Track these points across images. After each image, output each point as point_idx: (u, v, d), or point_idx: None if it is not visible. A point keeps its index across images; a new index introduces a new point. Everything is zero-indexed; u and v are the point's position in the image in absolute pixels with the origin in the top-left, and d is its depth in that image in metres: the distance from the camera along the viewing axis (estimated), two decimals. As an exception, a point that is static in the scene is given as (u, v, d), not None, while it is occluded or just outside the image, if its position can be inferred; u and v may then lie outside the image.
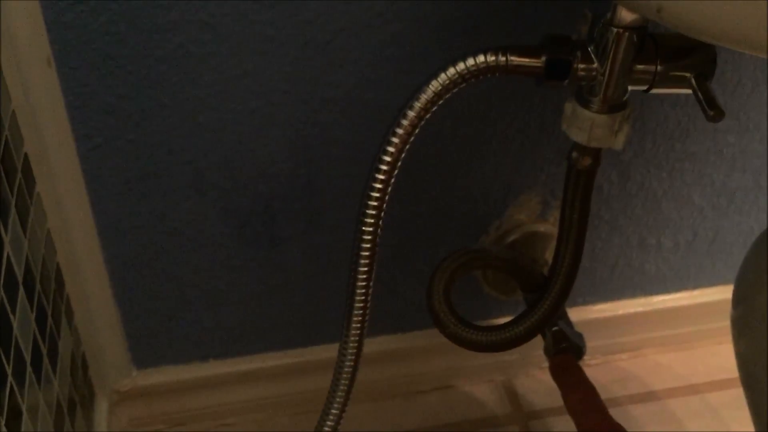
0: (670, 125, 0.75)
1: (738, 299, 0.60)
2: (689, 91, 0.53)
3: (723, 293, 0.81)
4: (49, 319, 0.60)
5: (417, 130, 0.55)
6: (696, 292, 0.91)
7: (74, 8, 0.56)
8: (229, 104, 0.64)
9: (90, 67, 0.59)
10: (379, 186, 0.57)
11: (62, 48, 0.58)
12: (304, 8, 0.59)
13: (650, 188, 0.80)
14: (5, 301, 0.48)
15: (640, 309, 0.90)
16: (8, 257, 0.50)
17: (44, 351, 0.57)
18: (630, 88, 0.54)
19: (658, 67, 0.52)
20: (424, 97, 0.54)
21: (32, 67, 0.57)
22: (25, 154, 0.57)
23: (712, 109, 0.50)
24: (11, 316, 0.50)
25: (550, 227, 0.79)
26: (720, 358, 0.91)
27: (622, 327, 0.91)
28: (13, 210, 0.52)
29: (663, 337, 0.94)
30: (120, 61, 0.59)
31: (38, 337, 0.55)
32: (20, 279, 0.52)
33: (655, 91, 0.54)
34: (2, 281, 0.48)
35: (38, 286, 0.57)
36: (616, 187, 0.78)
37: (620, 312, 0.90)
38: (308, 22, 0.60)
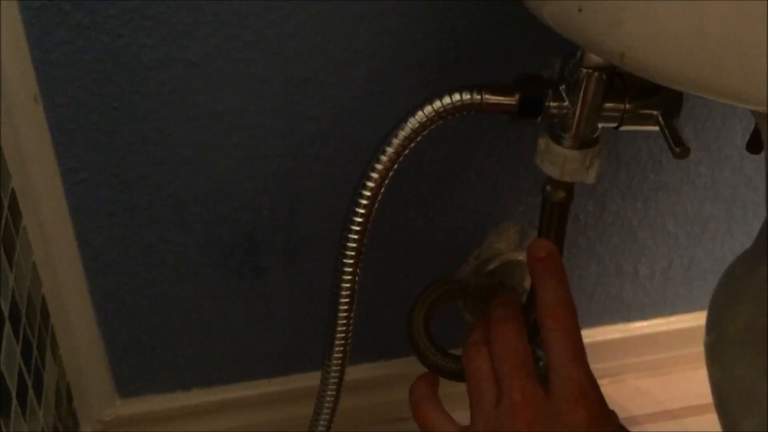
0: (644, 157, 0.77)
1: (710, 325, 0.62)
2: (657, 128, 0.54)
3: (699, 319, 0.82)
4: (35, 352, 0.60)
5: (395, 165, 0.57)
6: (673, 318, 0.92)
7: (62, 47, 0.57)
8: (212, 139, 0.65)
9: (76, 103, 0.60)
10: (359, 219, 0.58)
11: (49, 85, 0.59)
12: (285, 47, 0.61)
13: (626, 217, 0.82)
14: (-9, 335, 0.49)
15: (619, 335, 0.92)
16: (-6, 292, 0.51)
17: (29, 383, 0.58)
18: (600, 125, 0.56)
19: (627, 106, 0.54)
20: (402, 134, 0.55)
21: (19, 104, 0.58)
22: (12, 189, 0.58)
23: (678, 146, 0.52)
24: (-4, 349, 0.51)
25: (528, 256, 0.81)
26: (697, 383, 0.92)
27: (601, 353, 0.92)
28: (-1, 245, 0.53)
29: (642, 363, 0.95)
30: (106, 98, 0.60)
31: (24, 369, 0.56)
32: (6, 314, 0.53)
33: (624, 128, 0.55)
34: (-12, 316, 0.49)
35: (24, 320, 0.58)
36: (593, 217, 0.80)
37: (599, 338, 0.91)
38: (289, 60, 0.62)
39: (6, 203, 0.56)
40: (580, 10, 0.40)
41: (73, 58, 0.58)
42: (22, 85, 0.58)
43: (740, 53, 0.35)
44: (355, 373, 0.83)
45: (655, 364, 0.95)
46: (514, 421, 0.48)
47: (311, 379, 0.73)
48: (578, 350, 0.51)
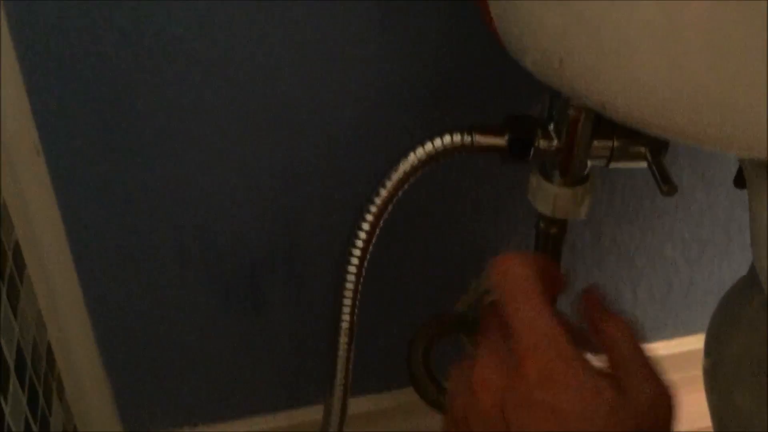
0: (638, 184, 0.78)
1: (707, 351, 0.63)
2: (645, 165, 0.55)
3: (700, 342, 0.83)
4: (41, 399, 0.61)
5: (390, 207, 0.58)
6: (673, 342, 0.93)
7: (61, 99, 0.59)
8: (210, 180, 0.66)
9: (77, 153, 0.62)
10: (356, 258, 0.59)
11: (50, 136, 0.60)
12: (278, 92, 0.62)
13: (622, 243, 0.82)
14: (-3, 388, 0.50)
15: (620, 359, 0.92)
16: (-1, 344, 0.52)
17: (36, 430, 0.59)
18: (589, 163, 0.57)
19: (615, 143, 0.55)
20: (395, 177, 0.57)
21: (21, 156, 0.59)
22: (16, 241, 0.60)
23: (666, 184, 0.52)
24: (2, 404, 0.51)
25: (527, 285, 0.82)
26: (700, 405, 0.93)
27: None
28: (4, 298, 0.54)
29: (645, 385, 0.95)
30: (104, 146, 0.62)
31: (30, 418, 0.57)
32: (11, 365, 0.54)
33: (613, 165, 0.56)
34: (-6, 369, 0.50)
35: (30, 369, 0.59)
36: (589, 244, 0.81)
37: (600, 363, 0.92)
38: (283, 104, 0.63)
39: (10, 255, 0.57)
40: (561, 62, 0.41)
41: (73, 109, 0.59)
42: (24, 137, 0.59)
43: (714, 103, 0.36)
44: (357, 404, 0.84)
45: (658, 386, 0.95)
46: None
47: (315, 413, 0.74)
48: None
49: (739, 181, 0.56)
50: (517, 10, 0.41)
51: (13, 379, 0.54)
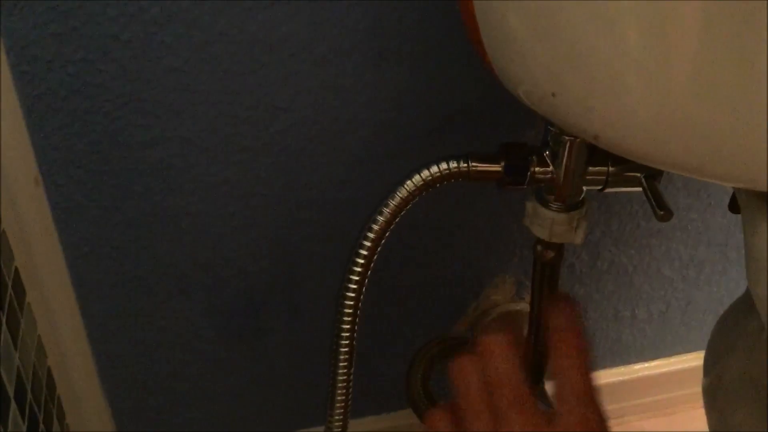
0: (634, 206, 0.78)
1: (706, 371, 0.63)
2: (641, 190, 0.56)
3: (699, 359, 0.83)
4: (41, 426, 0.62)
5: (387, 233, 0.58)
6: (672, 359, 0.93)
7: (60, 131, 0.59)
8: (209, 209, 0.67)
9: (76, 183, 0.62)
10: (353, 285, 0.60)
11: (49, 167, 0.61)
12: (277, 120, 0.63)
13: (620, 264, 0.83)
14: (-3, 420, 0.50)
15: (620, 378, 0.93)
16: None
17: (36, 459, 0.59)
18: (585, 188, 0.57)
19: (610, 169, 0.55)
20: (393, 203, 0.57)
21: (21, 187, 0.59)
22: (16, 268, 0.60)
23: (661, 209, 0.53)
24: (3, 433, 0.52)
25: (525, 305, 0.82)
26: (700, 422, 0.93)
27: (603, 396, 0.93)
28: (3, 327, 0.55)
29: (645, 404, 0.96)
30: (104, 176, 0.62)
31: (30, 447, 0.57)
32: (11, 394, 0.54)
33: (609, 190, 0.57)
34: (-6, 401, 0.50)
35: (29, 396, 0.59)
36: (587, 265, 0.81)
37: (601, 381, 0.91)
38: (282, 132, 0.63)
39: (9, 283, 0.58)
40: (553, 95, 0.41)
41: (72, 140, 0.60)
42: (23, 168, 0.59)
43: (702, 135, 0.37)
44: (357, 426, 0.84)
45: (658, 404, 0.96)
46: None
47: (316, 437, 0.74)
48: (588, 382, 0.47)
49: (734, 206, 0.57)
50: (510, 46, 0.42)
51: (13, 407, 0.54)
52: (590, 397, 0.46)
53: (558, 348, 0.47)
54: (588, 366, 0.47)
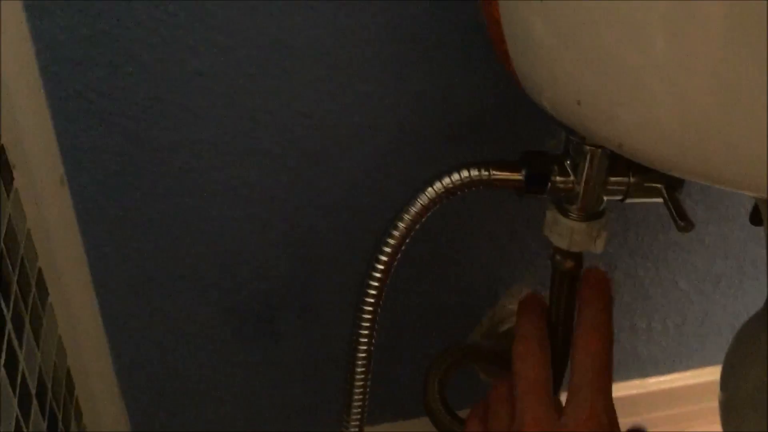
0: (652, 218, 0.78)
1: (723, 385, 0.63)
2: (661, 201, 0.56)
3: (715, 374, 0.83)
4: (60, 425, 0.62)
5: (407, 240, 0.59)
6: (688, 373, 0.93)
7: (87, 133, 0.60)
8: (228, 212, 0.67)
9: (100, 184, 0.63)
10: (373, 292, 0.60)
11: (75, 168, 0.62)
12: (297, 125, 0.63)
13: (637, 276, 0.83)
14: (20, 416, 0.51)
15: (635, 391, 0.92)
16: (23, 373, 0.53)
17: (54, 457, 0.60)
18: (605, 198, 0.57)
19: (631, 179, 0.56)
20: (413, 210, 0.57)
21: (46, 187, 0.60)
22: (39, 269, 0.61)
23: (683, 220, 0.53)
24: (24, 430, 0.52)
25: (541, 316, 0.82)
26: (717, 437, 0.93)
27: (618, 409, 0.92)
28: (27, 326, 0.55)
29: (661, 418, 0.95)
30: (128, 178, 0.63)
31: (49, 445, 0.58)
32: (34, 391, 0.55)
33: (629, 200, 0.57)
34: (17, 397, 0.51)
35: (50, 394, 0.60)
36: (604, 276, 0.81)
37: (617, 394, 0.91)
38: (301, 137, 0.64)
39: (33, 284, 0.58)
40: (578, 103, 0.42)
41: (98, 142, 0.60)
42: (49, 168, 0.60)
43: (725, 144, 0.37)
44: (374, 434, 0.84)
45: (674, 418, 0.95)
46: None
47: (330, 442, 0.74)
48: (601, 376, 0.50)
49: (756, 218, 0.57)
50: (536, 52, 0.42)
51: (34, 405, 0.55)
52: (601, 385, 0.48)
53: (579, 334, 0.50)
54: (605, 355, 0.49)
